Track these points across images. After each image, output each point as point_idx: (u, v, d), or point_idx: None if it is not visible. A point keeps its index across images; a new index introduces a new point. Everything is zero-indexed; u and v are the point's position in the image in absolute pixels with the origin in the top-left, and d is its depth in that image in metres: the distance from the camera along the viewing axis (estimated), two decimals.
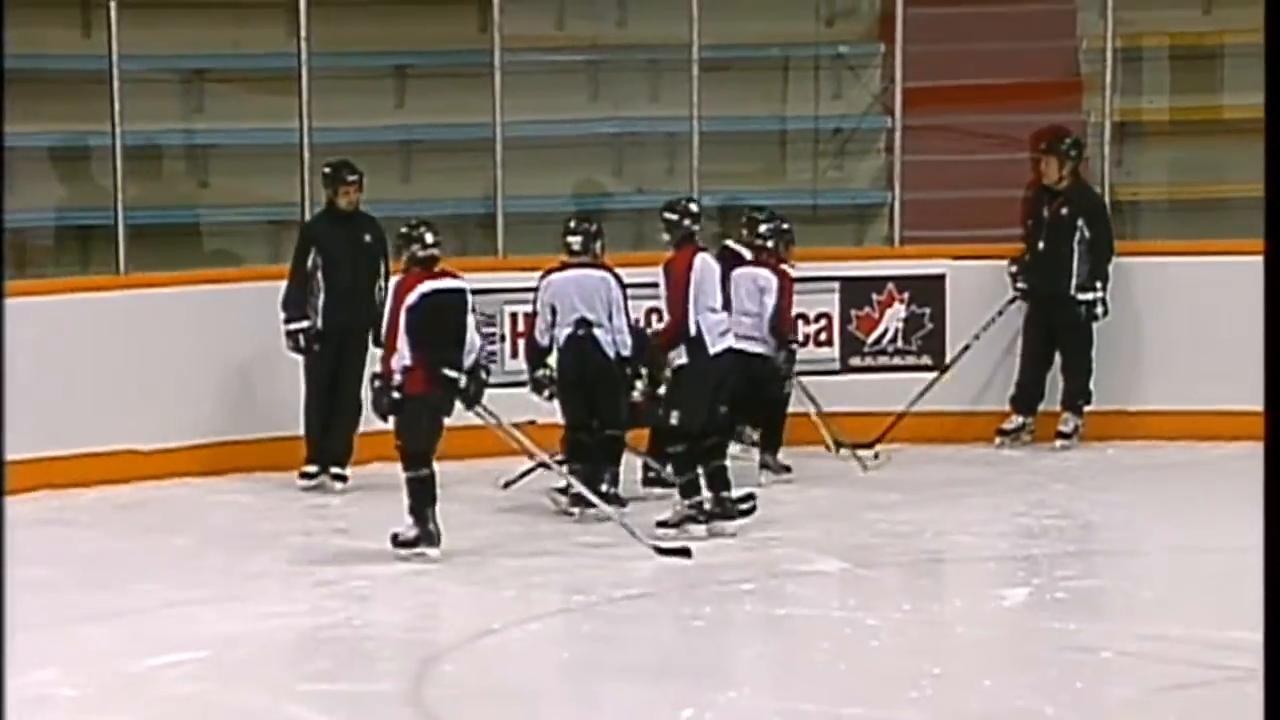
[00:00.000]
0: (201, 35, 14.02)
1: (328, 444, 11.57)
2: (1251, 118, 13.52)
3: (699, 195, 13.21)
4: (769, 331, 11.81)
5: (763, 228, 12.11)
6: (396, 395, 9.88)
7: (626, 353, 10.95)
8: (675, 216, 10.69)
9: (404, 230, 10.31)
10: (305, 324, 11.43)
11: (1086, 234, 12.67)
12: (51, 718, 7.54)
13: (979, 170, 13.43)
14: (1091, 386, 12.71)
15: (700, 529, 10.34)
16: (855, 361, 13.08)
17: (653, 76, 14.53)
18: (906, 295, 13.12)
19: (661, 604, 9.65)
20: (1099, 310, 12.62)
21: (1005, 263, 12.83)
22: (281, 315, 11.48)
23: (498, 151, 13.04)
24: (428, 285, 10.07)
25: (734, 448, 11.76)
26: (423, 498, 9.96)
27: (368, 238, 11.64)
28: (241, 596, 9.39)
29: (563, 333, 10.84)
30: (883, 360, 13.09)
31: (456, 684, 8.10)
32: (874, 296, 13.12)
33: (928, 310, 13.10)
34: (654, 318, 11.74)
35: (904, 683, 7.94)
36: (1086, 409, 12.73)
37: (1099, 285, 12.63)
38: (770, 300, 11.84)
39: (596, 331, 10.87)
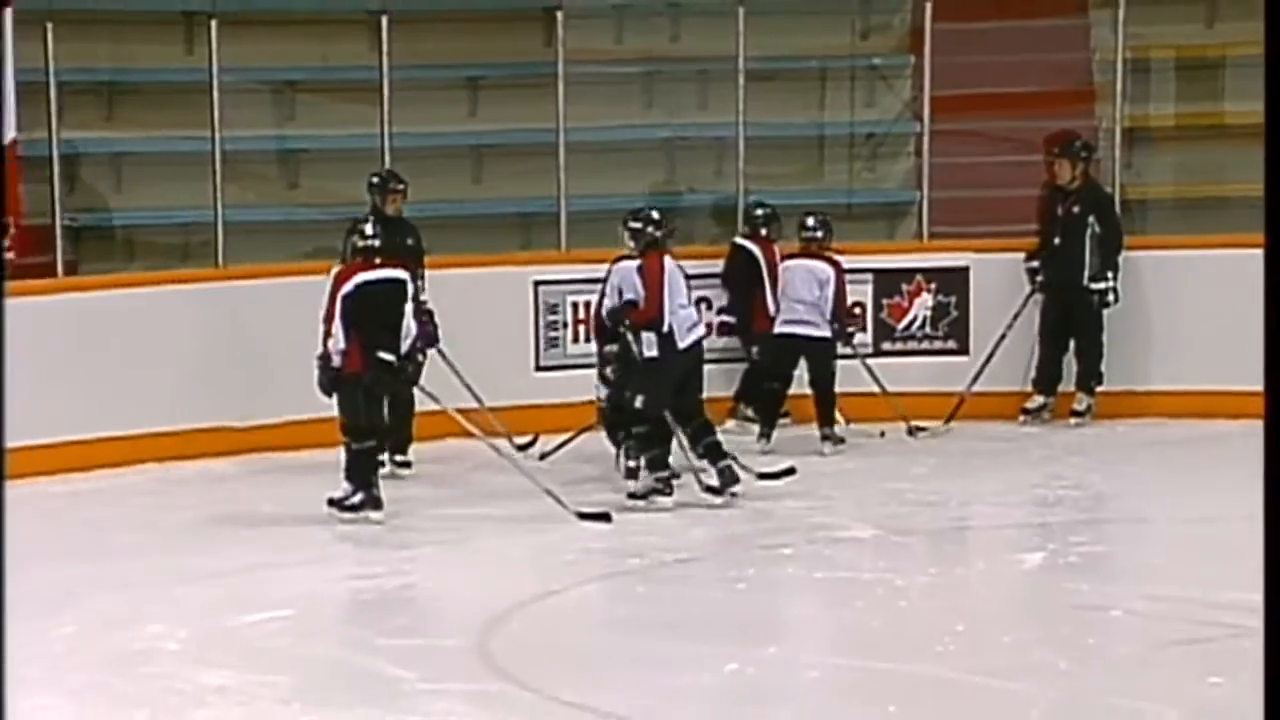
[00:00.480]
0: (292, 50, 14.03)
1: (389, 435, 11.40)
2: (1251, 123, 13.45)
3: (744, 194, 13.23)
4: (831, 319, 11.98)
5: (810, 222, 12.29)
6: (334, 375, 10.02)
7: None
8: (640, 225, 10.70)
9: (350, 225, 10.41)
10: None
11: (1097, 229, 12.63)
12: (157, 668, 7.54)
13: (1000, 171, 13.36)
14: (1103, 368, 12.66)
15: (668, 500, 10.29)
16: (887, 346, 13.05)
17: (702, 86, 14.50)
18: (934, 285, 13.09)
19: (708, 567, 9.62)
20: (1110, 298, 12.59)
21: (1021, 257, 12.78)
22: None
23: (561, 155, 13.02)
24: (363, 276, 10.18)
25: (729, 423, 11.81)
26: (365, 467, 10.08)
27: (410, 241, 11.50)
28: (325, 560, 9.39)
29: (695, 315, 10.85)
30: (911, 345, 13.06)
31: (521, 640, 8.08)
32: (904, 287, 13.08)
33: (953, 299, 13.06)
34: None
35: (931, 639, 7.90)
36: (1099, 389, 12.68)
37: (1110, 275, 12.59)
38: (830, 291, 12.01)
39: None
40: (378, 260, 10.28)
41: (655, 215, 10.77)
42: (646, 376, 10.42)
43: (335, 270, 10.31)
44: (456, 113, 14.32)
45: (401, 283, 10.33)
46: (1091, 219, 12.64)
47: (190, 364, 11.76)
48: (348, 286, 10.11)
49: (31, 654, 7.62)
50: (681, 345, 10.42)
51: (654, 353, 10.38)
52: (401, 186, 11.62)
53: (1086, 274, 12.57)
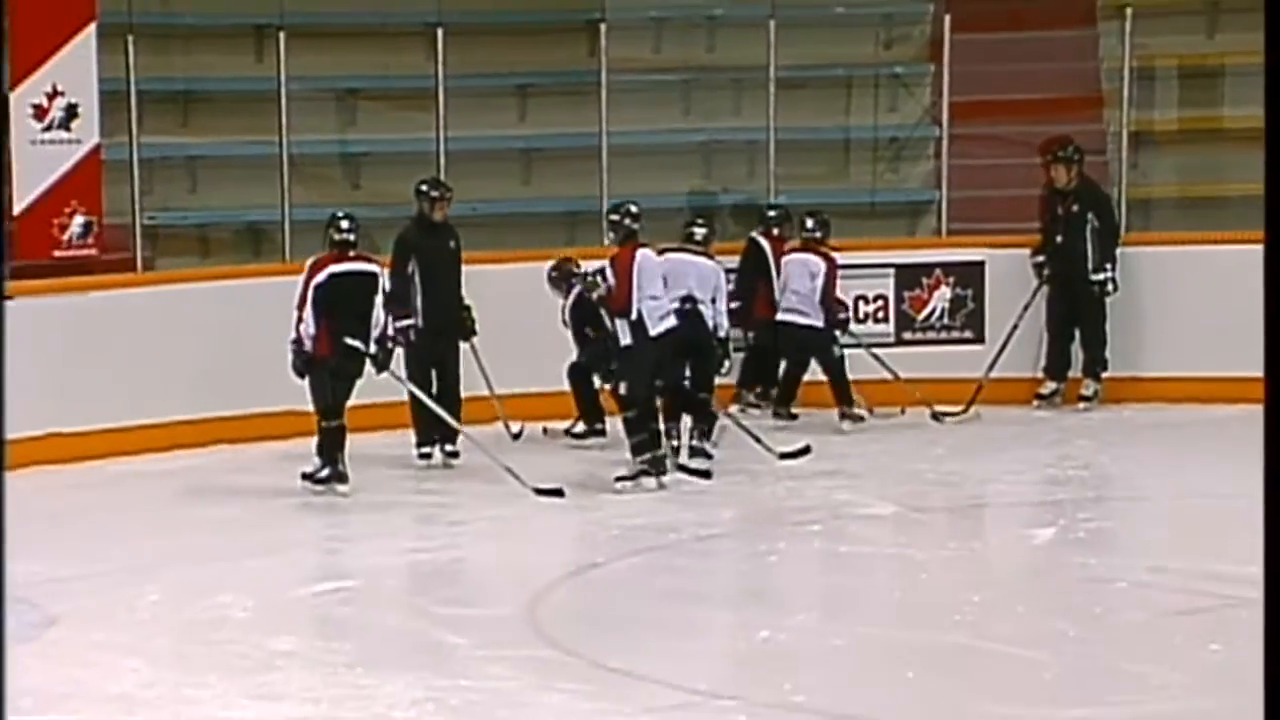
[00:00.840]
0: (354, 60, 14.04)
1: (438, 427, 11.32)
2: (1248, 127, 13.49)
3: (775, 195, 13.21)
4: (819, 306, 12.08)
5: (809, 223, 12.41)
6: (306, 359, 10.12)
7: (723, 333, 10.97)
8: (618, 218, 10.74)
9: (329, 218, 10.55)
10: (410, 321, 11.11)
11: (1096, 224, 12.61)
12: (228, 635, 7.56)
13: (1014, 173, 13.31)
14: (1107, 355, 12.61)
15: (652, 481, 10.27)
16: (907, 336, 13.02)
17: (736, 93, 14.47)
18: (952, 279, 13.05)
19: (741, 541, 9.63)
20: (1109, 288, 12.56)
21: (1027, 253, 12.75)
22: (388, 315, 11.03)
23: (603, 157, 13.01)
24: (336, 267, 10.26)
25: (733, 407, 11.84)
26: (333, 444, 10.14)
27: (452, 244, 11.44)
28: (386, 535, 9.40)
29: (668, 305, 10.74)
30: (931, 335, 13.03)
31: (567, 609, 8.10)
32: (924, 280, 13.05)
33: (970, 292, 13.03)
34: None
35: (949, 609, 7.89)
36: (1104, 375, 12.64)
37: (1109, 266, 12.56)
38: (819, 282, 12.09)
39: (701, 309, 10.87)
40: (351, 253, 10.32)
41: (634, 209, 10.77)
42: (623, 364, 10.42)
43: (311, 261, 10.34)
44: (507, 118, 14.31)
45: (373, 275, 10.37)
46: (1090, 215, 12.63)
47: (261, 351, 11.75)
48: (320, 276, 10.17)
49: (121, 621, 7.70)
50: (653, 333, 10.40)
51: (628, 340, 10.35)
52: (449, 195, 11.57)
53: (1089, 266, 12.55)
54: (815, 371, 12.36)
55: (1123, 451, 11.74)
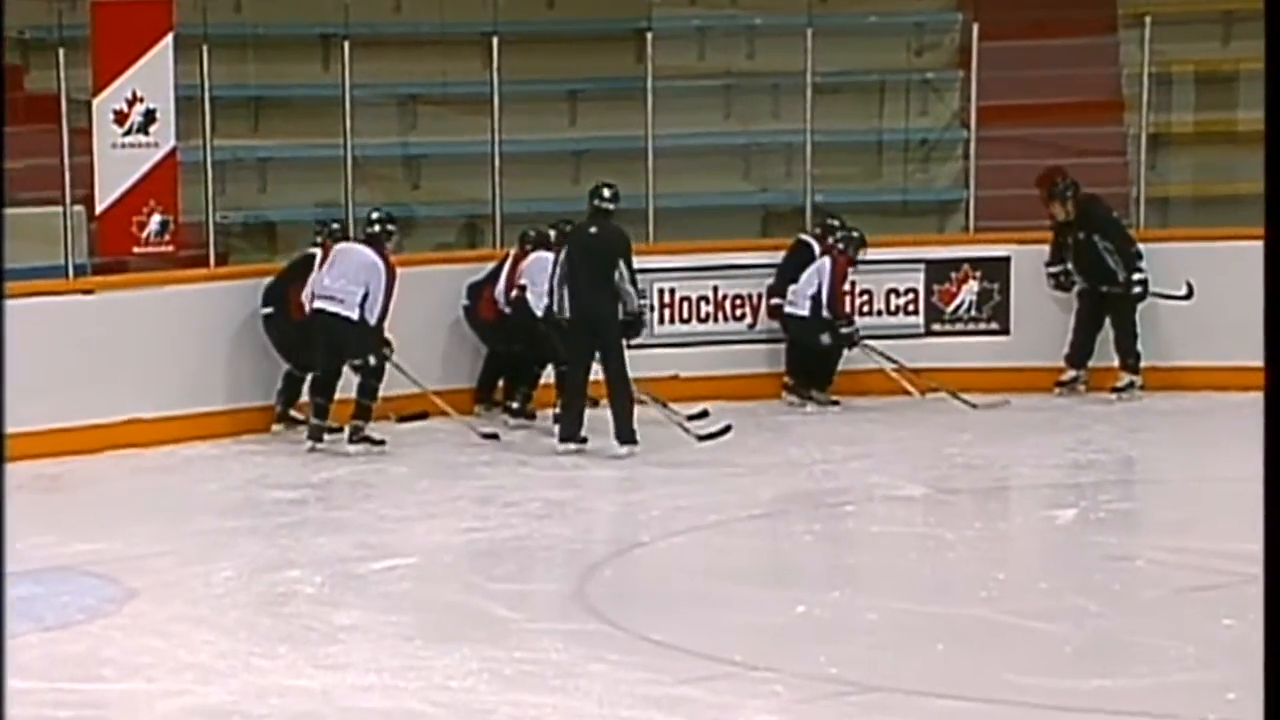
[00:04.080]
0: (415, 68, 14.09)
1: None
2: (1262, 130, 13.38)
3: (812, 194, 13.18)
4: (809, 298, 12.23)
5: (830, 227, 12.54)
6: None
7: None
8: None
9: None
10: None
11: (1106, 244, 12.51)
12: (295, 609, 7.59)
13: (1039, 173, 13.24)
14: (1139, 348, 12.52)
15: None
16: (937, 327, 12.98)
17: (775, 98, 14.45)
18: (979, 274, 13.01)
19: (779, 522, 9.62)
20: (1137, 290, 12.40)
21: (1044, 265, 12.67)
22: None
23: (649, 159, 13.00)
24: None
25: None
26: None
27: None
28: (444, 514, 9.41)
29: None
30: (959, 326, 12.98)
31: (614, 585, 8.09)
32: (952, 275, 13.01)
33: (996, 285, 12.99)
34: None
35: (976, 585, 7.88)
36: (1141, 366, 12.53)
37: (1139, 269, 12.43)
38: (824, 278, 12.23)
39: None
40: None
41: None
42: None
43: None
44: (558, 122, 14.33)
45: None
46: (1096, 238, 12.53)
47: None
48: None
49: (196, 595, 7.73)
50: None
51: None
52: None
53: (1119, 275, 12.44)
54: (847, 360, 12.36)
55: (1142, 437, 11.69)
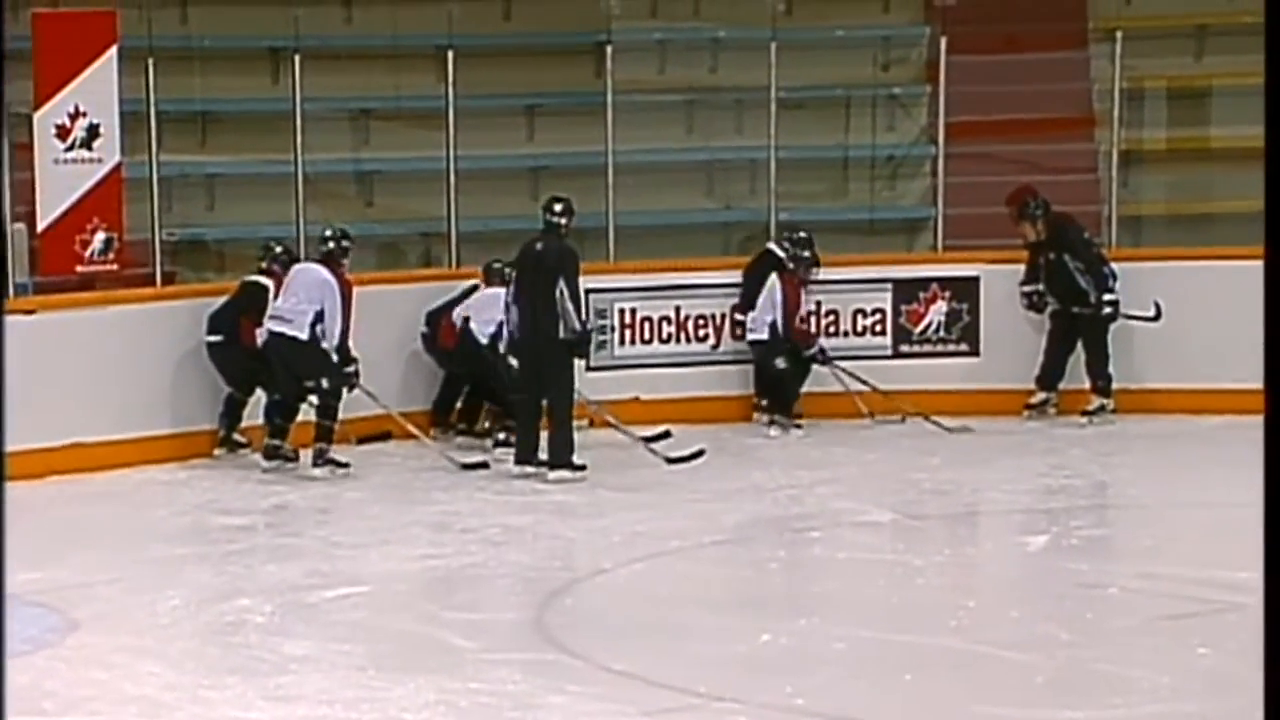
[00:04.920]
0: (367, 81, 14.10)
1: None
2: (1235, 146, 13.50)
3: (776, 211, 13.21)
4: (767, 324, 12.29)
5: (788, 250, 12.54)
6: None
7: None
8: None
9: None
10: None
11: (1076, 264, 12.56)
12: (245, 639, 7.57)
13: (1008, 190, 13.30)
14: (1111, 370, 12.57)
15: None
16: (905, 348, 13.01)
17: (738, 113, 14.50)
18: (948, 294, 13.05)
19: (743, 548, 9.62)
20: (1106, 311, 12.45)
21: (1019, 285, 12.72)
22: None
23: (610, 175, 13.02)
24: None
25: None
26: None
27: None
28: (399, 541, 9.39)
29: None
30: (927, 348, 13.02)
31: (573, 614, 8.10)
32: (921, 294, 13.04)
33: (965, 306, 13.03)
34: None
35: (945, 614, 7.90)
36: (1112, 389, 12.58)
37: (1111, 289, 12.48)
38: (777, 298, 12.30)
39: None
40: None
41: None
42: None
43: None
44: (515, 137, 14.35)
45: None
46: (1066, 258, 12.59)
47: None
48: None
49: (141, 624, 7.70)
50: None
51: None
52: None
53: (1091, 296, 12.50)
54: (816, 382, 12.40)
55: (1114, 461, 11.74)
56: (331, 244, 11.10)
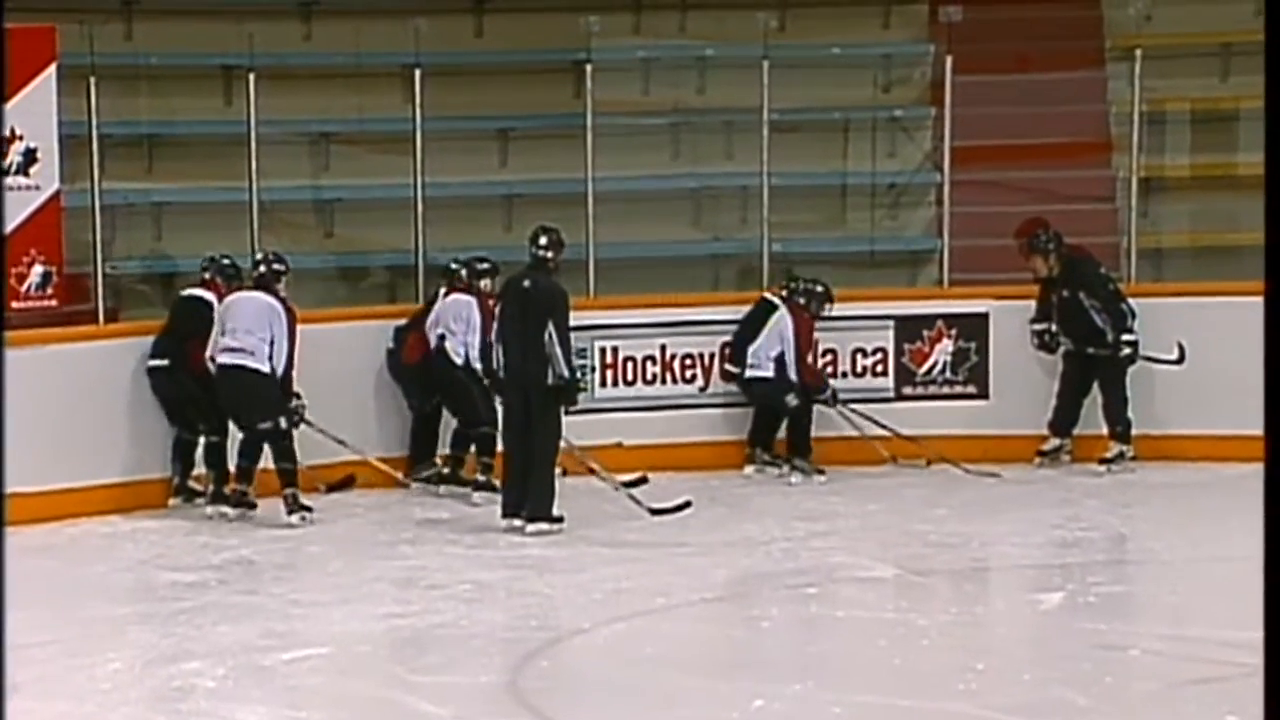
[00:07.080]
0: (328, 103, 14.14)
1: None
2: (1264, 174, 13.53)
3: (769, 243, 13.26)
4: (772, 360, 12.41)
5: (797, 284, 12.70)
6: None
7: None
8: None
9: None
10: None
11: (1092, 302, 12.62)
12: (194, 705, 7.55)
13: (1019, 221, 13.37)
14: (1130, 415, 12.60)
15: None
16: (908, 390, 13.06)
17: (727, 137, 14.55)
18: (954, 331, 13.10)
19: (734, 606, 9.64)
20: (1126, 352, 12.49)
21: (1029, 322, 12.78)
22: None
23: (589, 204, 13.07)
24: None
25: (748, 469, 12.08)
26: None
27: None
28: (362, 599, 9.40)
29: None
30: (932, 389, 13.06)
31: (550, 677, 8.09)
32: (925, 332, 13.09)
33: (973, 344, 13.08)
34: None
35: (952, 677, 7.90)
36: (1131, 435, 12.62)
37: (1130, 329, 12.52)
38: (788, 335, 12.44)
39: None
40: None
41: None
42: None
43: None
44: (488, 163, 14.40)
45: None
46: (1081, 295, 12.65)
47: None
48: None
49: (81, 690, 7.69)
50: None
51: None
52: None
53: (1108, 336, 12.55)
54: (823, 425, 12.47)
55: (1133, 512, 11.78)
56: (264, 267, 11.14)
